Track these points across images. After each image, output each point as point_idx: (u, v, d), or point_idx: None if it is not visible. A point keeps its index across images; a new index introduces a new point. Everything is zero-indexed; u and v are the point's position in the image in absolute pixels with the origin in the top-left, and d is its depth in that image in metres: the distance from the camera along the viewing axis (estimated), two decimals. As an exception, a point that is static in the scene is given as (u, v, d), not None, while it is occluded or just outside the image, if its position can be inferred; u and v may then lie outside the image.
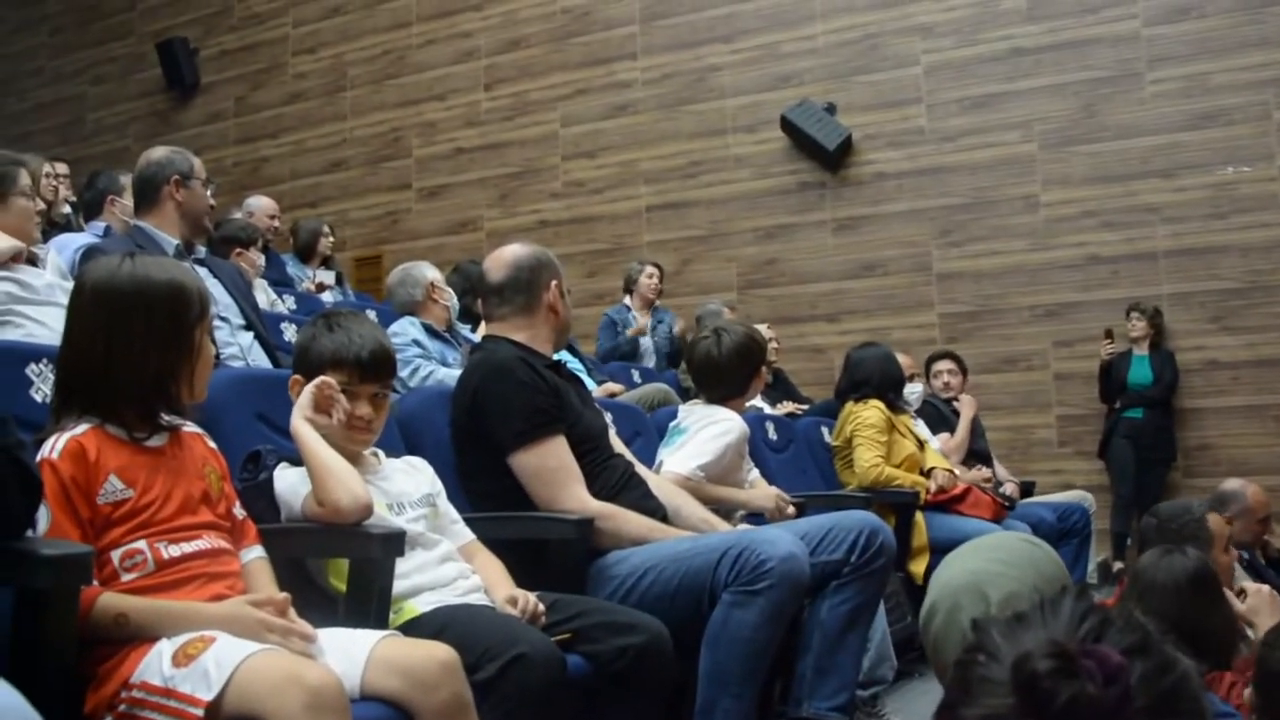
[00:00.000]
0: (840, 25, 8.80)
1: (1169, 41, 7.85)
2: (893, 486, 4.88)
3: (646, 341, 7.70)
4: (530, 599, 2.39)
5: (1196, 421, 7.67)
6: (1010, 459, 7.38)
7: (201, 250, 4.09)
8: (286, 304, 6.04)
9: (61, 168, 6.58)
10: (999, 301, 8.18)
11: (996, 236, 8.21)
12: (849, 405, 5.27)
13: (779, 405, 6.55)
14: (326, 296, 6.97)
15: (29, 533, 1.76)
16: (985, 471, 5.80)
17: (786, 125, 8.74)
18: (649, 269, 7.89)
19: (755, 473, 3.99)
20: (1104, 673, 0.89)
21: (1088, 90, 8.02)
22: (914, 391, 6.22)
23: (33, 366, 2.35)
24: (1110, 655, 0.90)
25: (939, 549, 4.60)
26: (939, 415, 6.24)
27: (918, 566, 4.71)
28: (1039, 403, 8.07)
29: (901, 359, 5.69)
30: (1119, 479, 7.53)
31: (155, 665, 1.77)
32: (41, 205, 3.92)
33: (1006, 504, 5.43)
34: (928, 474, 5.15)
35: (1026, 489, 6.51)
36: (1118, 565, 7.12)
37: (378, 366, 2.49)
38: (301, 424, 2.33)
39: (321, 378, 2.38)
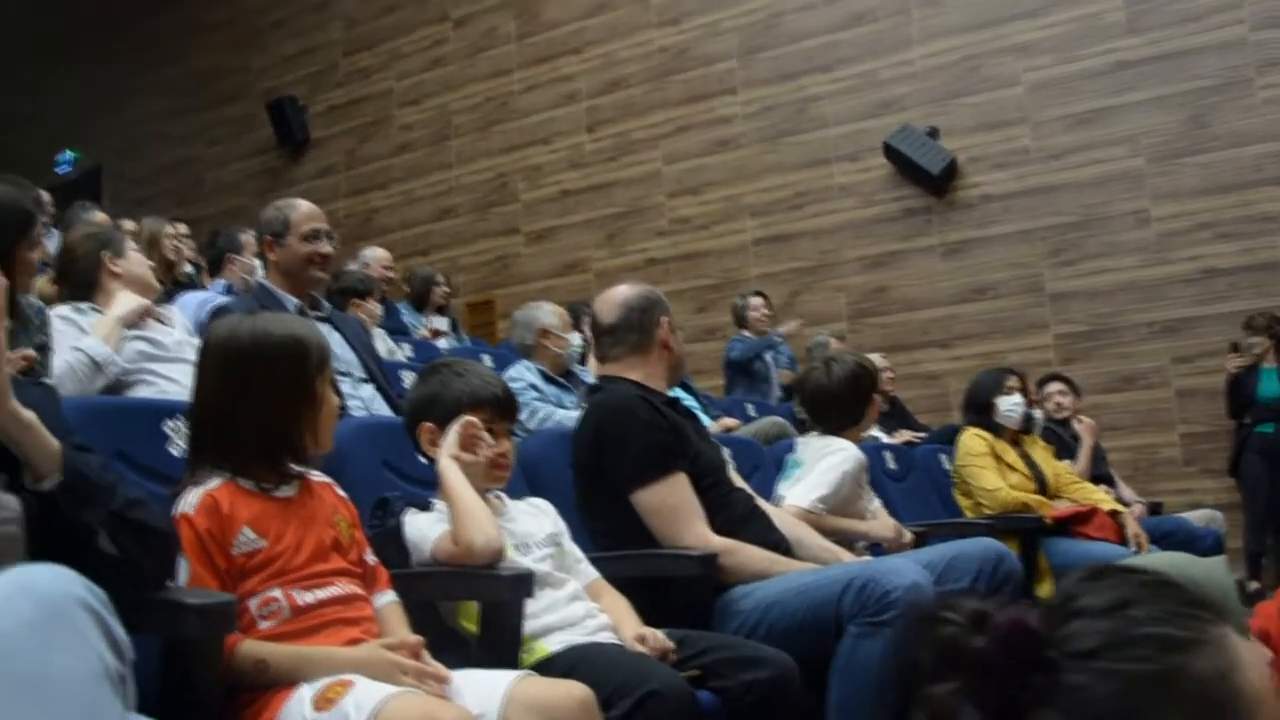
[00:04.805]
0: (938, 49, 8.76)
1: (1279, 45, 7.69)
2: (1020, 510, 4.84)
3: (771, 364, 7.73)
4: (658, 636, 2.40)
5: (1328, 434, 7.45)
6: (1135, 480, 7.22)
7: (327, 306, 4.12)
8: (404, 352, 6.13)
9: (181, 227, 6.76)
10: (1114, 319, 8.04)
11: (1108, 254, 8.08)
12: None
13: (896, 434, 6.52)
14: (442, 343, 7.06)
15: (169, 583, 1.82)
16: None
17: (890, 152, 8.70)
18: (753, 300, 7.92)
19: (877, 503, 3.97)
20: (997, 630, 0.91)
21: (1195, 100, 7.87)
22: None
23: (168, 422, 2.43)
24: (1015, 614, 0.92)
25: (1067, 574, 4.52)
26: (1058, 440, 6.15)
27: (1044, 590, 4.65)
28: (1161, 421, 7.90)
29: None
30: (1251, 496, 7.32)
31: (297, 709, 1.81)
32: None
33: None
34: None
35: (1154, 510, 6.38)
36: (1254, 585, 6.94)
37: (512, 405, 2.61)
38: (449, 463, 2.38)
39: (466, 417, 2.44)
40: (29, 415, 1.60)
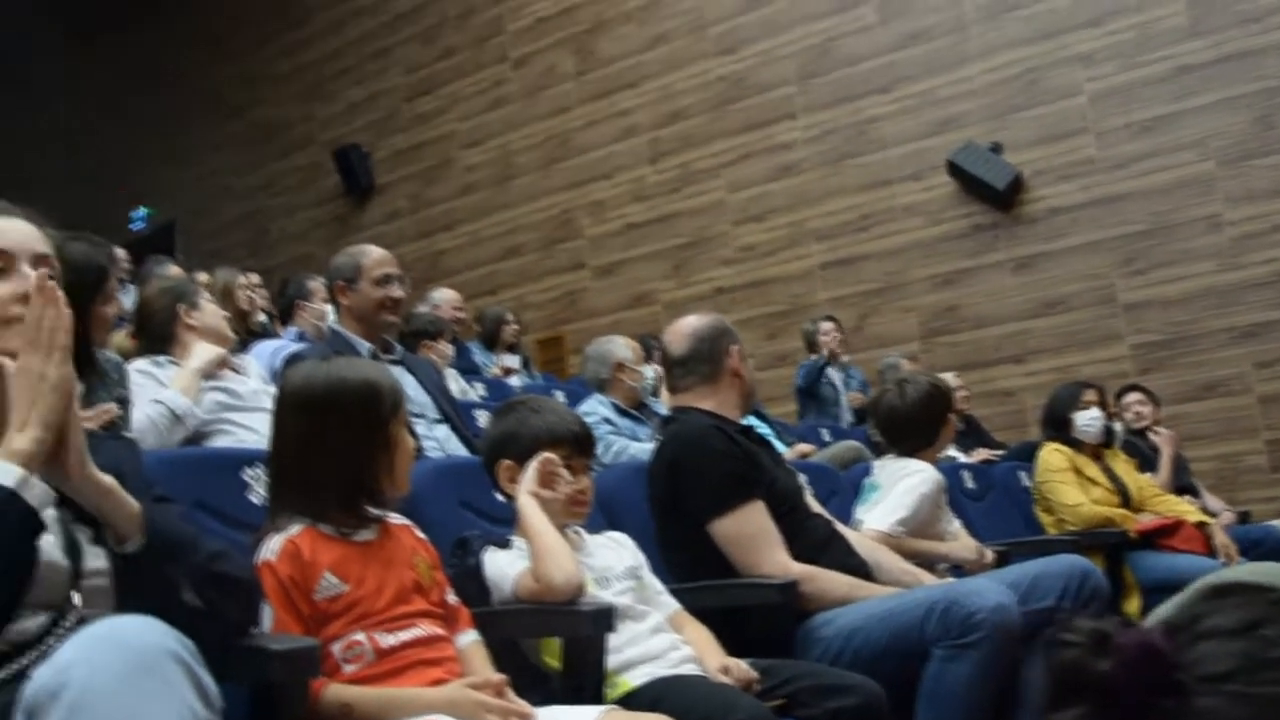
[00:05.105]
0: (997, 63, 8.70)
1: (1344, 42, 7.57)
2: (1103, 524, 4.78)
3: (841, 386, 7.70)
4: (742, 666, 2.39)
5: None
6: (1220, 489, 7.10)
7: (399, 349, 4.16)
8: (477, 391, 6.17)
9: (254, 277, 6.85)
10: (1191, 327, 7.91)
11: (1181, 261, 7.96)
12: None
13: (973, 453, 6.45)
14: (514, 380, 7.10)
15: (253, 630, 1.83)
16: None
17: (953, 169, 8.65)
18: (824, 324, 7.89)
19: (957, 524, 3.93)
20: (1123, 650, 0.88)
21: (1262, 101, 7.75)
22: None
23: (247, 470, 2.47)
24: (1140, 635, 0.89)
25: (1155, 589, 4.46)
26: (1139, 452, 6.06)
27: (1131, 606, 4.58)
28: (1244, 428, 7.75)
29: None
30: (1341, 501, 7.19)
31: (384, 752, 1.82)
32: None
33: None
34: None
35: (1243, 519, 6.27)
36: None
37: (589, 441, 2.62)
38: (528, 500, 2.39)
39: (545, 454, 2.45)
40: (108, 480, 1.61)
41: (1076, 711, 0.90)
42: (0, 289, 1.65)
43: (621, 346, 5.43)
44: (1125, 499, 5.09)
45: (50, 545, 1.58)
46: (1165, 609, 1.34)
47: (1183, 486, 6.05)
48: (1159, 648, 0.89)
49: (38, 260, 1.70)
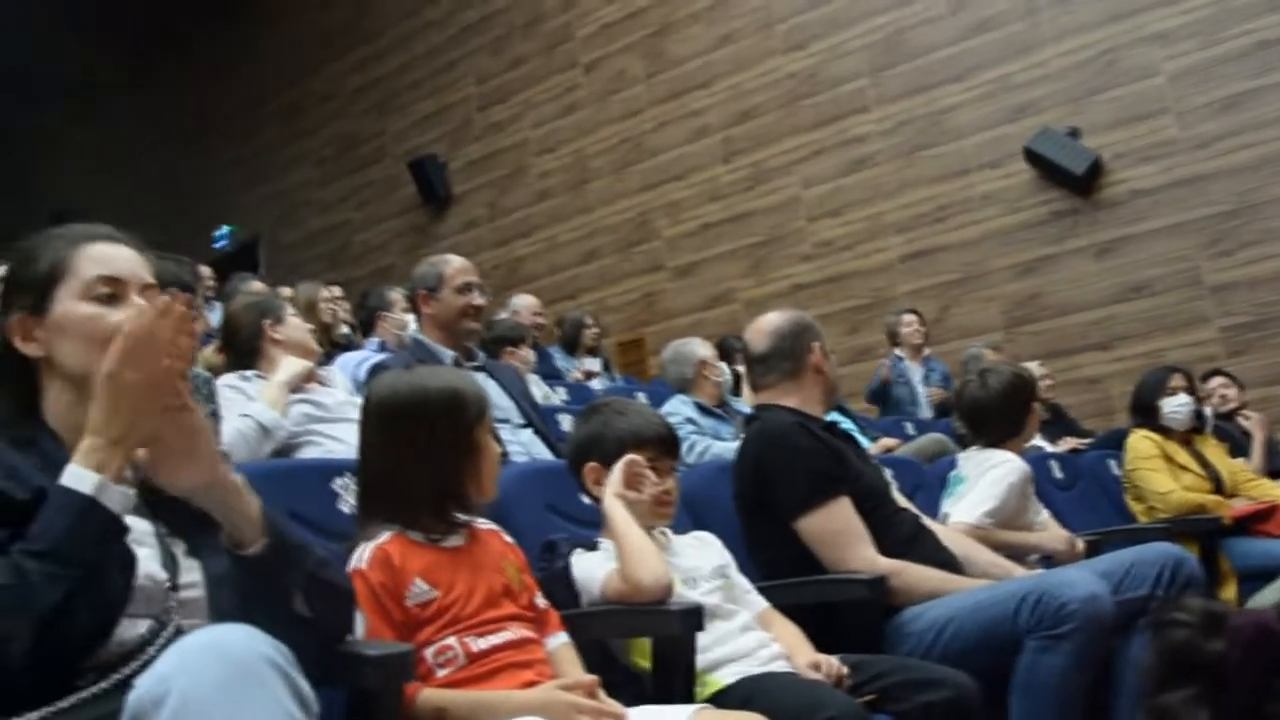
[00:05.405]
0: (1071, 46, 8.57)
1: None
2: (1196, 511, 4.71)
3: (920, 390, 7.66)
4: (832, 662, 2.39)
5: None
6: (1316, 473, 6.97)
7: (481, 356, 4.19)
8: (559, 395, 6.20)
9: (336, 290, 6.92)
10: (1282, 307, 7.78)
11: (1269, 239, 7.79)
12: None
13: (1060, 442, 6.38)
14: (595, 384, 7.13)
15: (348, 637, 1.85)
16: None
17: (1031, 156, 8.55)
18: (906, 317, 7.86)
19: (1045, 514, 3.89)
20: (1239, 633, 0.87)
21: (1347, 73, 7.60)
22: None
23: (337, 480, 2.50)
24: (1256, 616, 0.88)
25: (1251, 575, 4.39)
26: (1229, 437, 5.97)
27: (1228, 593, 4.50)
28: (1342, 409, 7.61)
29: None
30: None
31: (479, 755, 1.84)
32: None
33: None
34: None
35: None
36: None
37: (674, 442, 2.63)
38: (614, 502, 2.40)
39: (630, 456, 2.47)
40: (236, 478, 1.62)
41: (1187, 693, 0.88)
42: (113, 316, 1.66)
43: (699, 345, 5.46)
44: (1217, 485, 5.01)
45: (148, 558, 1.62)
46: (1271, 593, 1.32)
47: (1276, 470, 5.94)
48: (1276, 630, 0.88)
49: (145, 290, 1.73)
